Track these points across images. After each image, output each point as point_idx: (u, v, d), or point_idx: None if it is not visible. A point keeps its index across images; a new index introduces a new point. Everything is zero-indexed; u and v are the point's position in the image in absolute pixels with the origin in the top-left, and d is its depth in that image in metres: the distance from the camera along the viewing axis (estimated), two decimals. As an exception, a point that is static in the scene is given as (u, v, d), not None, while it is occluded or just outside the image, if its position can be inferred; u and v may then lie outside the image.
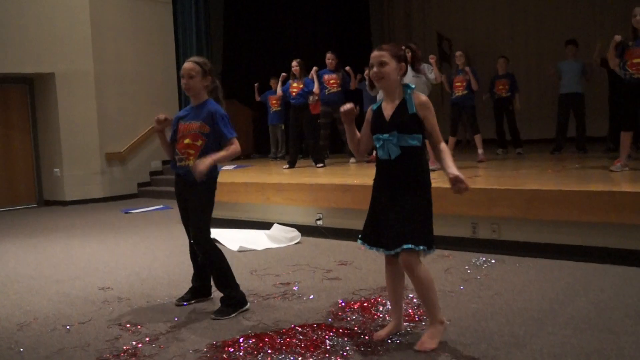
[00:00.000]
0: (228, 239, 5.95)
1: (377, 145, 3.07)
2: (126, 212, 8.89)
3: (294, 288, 4.30)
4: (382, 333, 3.20)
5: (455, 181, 2.93)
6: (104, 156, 10.51)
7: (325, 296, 4.04)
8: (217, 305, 3.86)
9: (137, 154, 10.90)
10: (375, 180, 3.17)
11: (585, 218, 4.60)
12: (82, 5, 10.17)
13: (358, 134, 3.25)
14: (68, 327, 3.70)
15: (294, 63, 8.44)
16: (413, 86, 3.11)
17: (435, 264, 4.73)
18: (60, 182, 10.27)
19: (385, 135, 3.02)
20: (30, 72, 10.00)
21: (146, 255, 5.77)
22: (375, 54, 3.05)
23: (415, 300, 3.77)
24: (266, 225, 6.37)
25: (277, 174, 7.90)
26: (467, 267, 4.63)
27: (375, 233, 3.10)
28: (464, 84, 7.95)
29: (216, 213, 7.14)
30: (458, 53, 8.19)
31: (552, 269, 4.44)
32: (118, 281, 4.79)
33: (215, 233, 6.13)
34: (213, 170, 3.76)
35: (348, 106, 3.12)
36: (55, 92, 10.12)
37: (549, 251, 4.77)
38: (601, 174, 5.73)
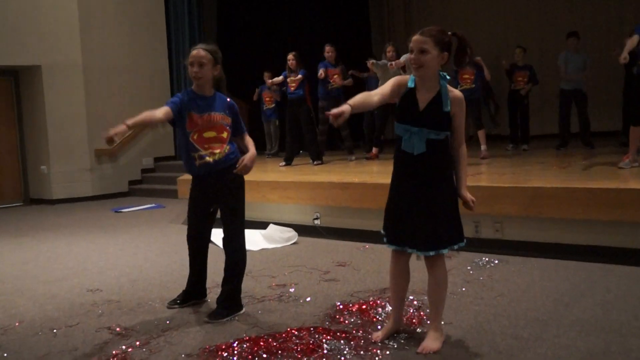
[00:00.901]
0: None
1: (404, 137, 2.89)
2: (116, 211, 8.79)
3: (291, 290, 4.25)
4: (380, 334, 3.15)
5: (469, 202, 2.99)
6: (93, 152, 10.37)
7: (322, 298, 3.99)
8: (210, 308, 3.79)
9: (128, 151, 10.77)
10: (396, 173, 3.01)
11: (591, 216, 4.55)
12: (70, -5, 10.02)
13: (365, 99, 2.89)
14: (55, 330, 3.64)
15: (290, 56, 8.34)
16: (448, 77, 2.94)
17: (436, 264, 4.65)
18: (47, 180, 10.13)
19: (416, 129, 2.85)
20: (15, 64, 9.84)
21: (137, 255, 5.70)
22: (416, 38, 2.81)
23: (415, 302, 3.73)
24: (262, 225, 6.30)
25: (273, 171, 7.83)
26: (469, 267, 4.58)
27: (401, 231, 2.96)
28: (472, 77, 7.76)
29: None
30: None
31: (557, 269, 4.39)
32: (107, 282, 4.73)
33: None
34: (238, 157, 3.69)
35: (335, 112, 2.73)
36: (41, 85, 9.98)
37: (554, 251, 4.72)
38: (608, 170, 5.67)
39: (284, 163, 8.29)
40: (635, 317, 3.28)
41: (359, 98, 2.87)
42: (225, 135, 3.64)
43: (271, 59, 9.55)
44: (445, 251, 2.91)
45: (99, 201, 10.11)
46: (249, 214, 6.65)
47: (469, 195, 2.98)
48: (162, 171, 10.99)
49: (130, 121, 3.43)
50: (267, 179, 6.76)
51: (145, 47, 10.84)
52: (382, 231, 3.07)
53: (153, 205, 9.18)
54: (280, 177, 6.92)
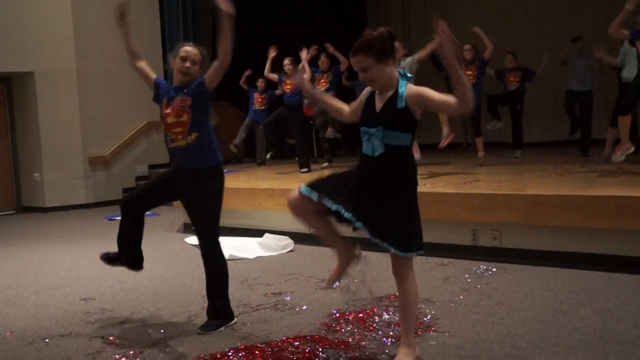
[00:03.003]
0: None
1: (363, 139, 2.88)
2: (110, 219, 8.71)
3: (286, 298, 4.22)
4: (332, 276, 3.19)
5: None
6: (86, 160, 10.28)
7: (318, 307, 3.98)
8: (204, 319, 3.74)
9: (122, 158, 10.69)
10: (357, 169, 2.97)
11: (590, 224, 4.54)
12: (64, 1, 9.96)
13: (340, 104, 3.10)
14: (47, 340, 3.62)
15: (287, 61, 8.34)
16: (410, 75, 2.91)
17: (434, 273, 4.68)
18: (40, 187, 10.04)
19: (373, 130, 2.82)
20: (7, 70, 9.76)
21: (130, 263, 5.60)
22: (352, 60, 2.85)
23: (425, 309, 3.73)
24: (258, 232, 6.28)
25: (270, 179, 7.79)
26: (467, 275, 4.55)
27: (347, 201, 2.85)
28: (472, 80, 7.49)
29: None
30: (466, 47, 7.71)
31: (556, 277, 4.37)
32: (101, 291, 4.69)
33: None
34: (218, 155, 3.66)
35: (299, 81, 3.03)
36: (34, 91, 9.90)
37: (552, 259, 4.70)
38: (607, 177, 5.67)
39: (306, 169, 8.18)
40: (635, 326, 3.27)
41: (336, 101, 3.11)
42: (185, 118, 3.58)
43: (266, 61, 9.48)
44: (412, 254, 2.83)
45: (93, 209, 10.03)
46: (245, 222, 6.69)
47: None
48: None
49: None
50: (263, 186, 6.73)
51: (140, 53, 10.79)
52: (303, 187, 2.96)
53: (147, 213, 9.08)
54: (276, 184, 6.90)
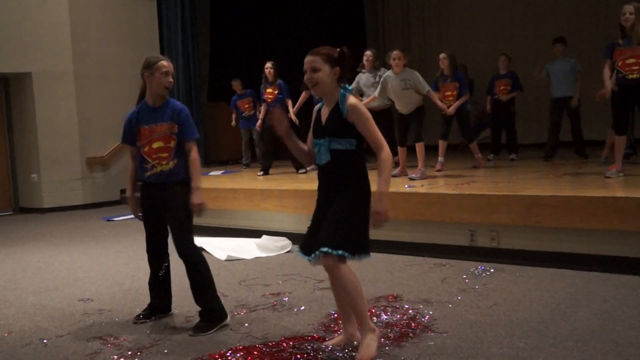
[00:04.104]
0: (215, 247, 5.84)
1: (315, 150, 3.06)
2: (108, 220, 8.71)
3: (284, 299, 4.21)
4: (329, 342, 3.18)
5: (373, 214, 2.91)
6: (84, 161, 10.28)
7: (316, 307, 3.97)
8: (195, 318, 3.74)
9: (120, 159, 10.66)
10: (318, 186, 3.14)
11: (587, 225, 4.53)
12: (61, 2, 9.95)
13: (302, 144, 3.19)
14: (45, 340, 3.61)
15: (268, 65, 8.27)
16: (350, 88, 3.05)
17: (432, 274, 4.68)
18: (38, 188, 10.02)
19: (321, 141, 3.01)
20: (5, 71, 9.75)
21: (129, 264, 5.64)
22: (307, 58, 2.99)
23: (410, 311, 3.72)
24: (255, 233, 6.27)
25: (267, 179, 7.77)
26: (464, 276, 4.55)
27: (309, 241, 3.05)
28: (455, 92, 7.27)
29: (202, 220, 6.89)
30: (442, 55, 7.36)
31: (553, 278, 4.37)
32: (99, 292, 4.68)
33: (202, 241, 5.98)
34: (185, 175, 3.70)
35: (276, 114, 3.11)
36: (32, 92, 9.89)
37: (550, 260, 4.70)
38: (603, 179, 5.66)
39: (261, 173, 8.21)
40: (633, 327, 3.27)
41: (302, 145, 3.19)
42: (172, 144, 3.66)
43: (263, 68, 9.46)
44: (325, 249, 2.84)
45: (91, 210, 10.01)
46: (242, 222, 6.69)
47: (377, 207, 2.90)
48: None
49: (130, 193, 3.88)
50: (261, 187, 6.72)
51: (138, 54, 10.67)
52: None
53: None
54: (274, 185, 6.88)
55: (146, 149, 3.69)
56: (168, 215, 3.71)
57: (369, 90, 7.43)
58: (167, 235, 3.87)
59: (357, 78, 7.64)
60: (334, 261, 2.88)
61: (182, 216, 3.67)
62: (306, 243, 3.06)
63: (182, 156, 3.69)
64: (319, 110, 3.11)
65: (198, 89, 11.51)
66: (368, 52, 7.73)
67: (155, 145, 3.66)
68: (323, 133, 3.00)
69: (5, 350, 3.46)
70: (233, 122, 10.25)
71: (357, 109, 2.94)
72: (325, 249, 2.85)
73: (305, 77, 2.99)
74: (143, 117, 3.72)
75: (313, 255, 2.95)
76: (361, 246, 2.94)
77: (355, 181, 2.98)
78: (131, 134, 3.77)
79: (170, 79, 3.68)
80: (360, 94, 7.59)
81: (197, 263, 3.70)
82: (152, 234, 3.86)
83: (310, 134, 3.15)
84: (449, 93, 7.32)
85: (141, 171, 3.75)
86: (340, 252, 2.85)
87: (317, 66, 2.95)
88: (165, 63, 3.69)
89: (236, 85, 10.07)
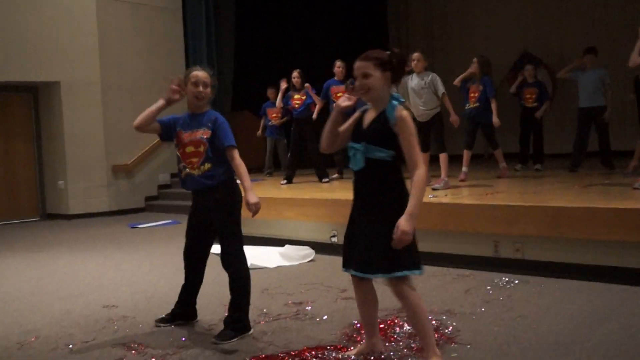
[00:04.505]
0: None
1: (350, 154, 2.95)
2: (132, 227, 8.79)
3: (307, 308, 4.20)
4: (351, 352, 3.15)
5: (395, 232, 2.74)
6: (110, 168, 10.40)
7: (339, 317, 3.94)
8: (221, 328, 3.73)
9: (144, 167, 10.79)
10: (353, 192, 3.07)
11: (614, 237, 4.46)
12: (89, 13, 10.14)
13: (341, 128, 3.07)
14: (70, 346, 3.63)
15: (295, 74, 8.35)
16: (402, 99, 2.93)
17: (455, 284, 4.64)
18: (65, 195, 10.16)
19: (358, 145, 2.90)
20: (34, 80, 9.94)
21: (152, 272, 5.67)
22: (357, 64, 2.89)
23: (434, 322, 3.67)
24: (278, 242, 6.25)
25: (290, 188, 7.78)
26: (488, 287, 4.50)
27: (349, 253, 3.00)
28: (477, 94, 7.34)
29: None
30: (474, 59, 7.49)
31: (580, 290, 4.31)
32: (123, 299, 4.71)
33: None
34: (234, 186, 3.76)
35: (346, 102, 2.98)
36: (60, 101, 10.06)
37: (576, 272, 4.63)
38: (630, 190, 5.57)
39: (285, 181, 8.23)
40: (661, 341, 3.19)
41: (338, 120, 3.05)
42: (202, 149, 3.68)
43: (289, 75, 9.51)
44: (401, 273, 2.80)
45: (116, 217, 10.12)
46: (265, 231, 6.69)
47: (401, 227, 2.72)
48: (178, 187, 10.90)
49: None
50: (284, 196, 6.73)
51: (163, 64, 10.90)
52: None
53: (169, 221, 9.16)
54: (297, 194, 6.89)
55: (181, 151, 3.77)
56: (214, 226, 3.75)
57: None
58: (208, 247, 3.91)
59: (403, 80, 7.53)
60: (406, 284, 2.84)
61: (227, 229, 3.70)
62: (348, 257, 3.03)
63: (217, 162, 3.68)
64: (364, 112, 3.00)
65: (222, 97, 11.59)
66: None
67: (188, 149, 3.72)
68: (362, 137, 2.89)
69: (32, 355, 3.49)
70: (259, 132, 10.31)
71: (406, 122, 2.82)
72: (384, 276, 2.81)
73: (357, 83, 2.89)
74: (183, 122, 3.80)
75: (353, 270, 2.96)
76: (411, 262, 2.85)
77: (394, 193, 2.87)
78: (169, 129, 3.82)
79: (200, 89, 3.71)
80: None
81: (245, 279, 3.72)
82: (190, 240, 3.92)
83: (349, 124, 3.04)
84: (472, 95, 7.37)
85: (179, 174, 3.84)
86: (397, 274, 2.81)
87: (368, 72, 2.85)
88: (196, 73, 3.75)
89: (271, 92, 10.12)
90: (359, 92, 2.90)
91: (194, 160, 3.69)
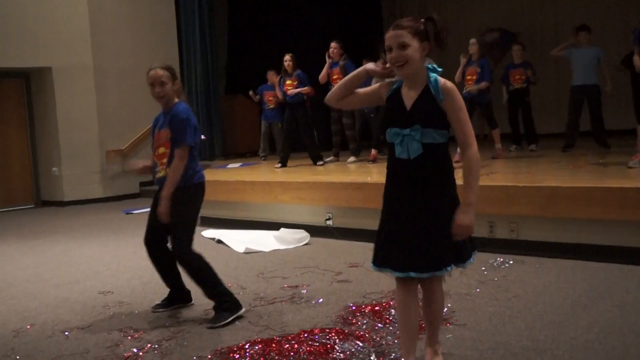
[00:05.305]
0: (233, 240, 5.85)
1: (395, 142, 2.55)
2: (127, 213, 8.77)
3: (303, 291, 4.21)
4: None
5: (457, 227, 2.50)
6: (104, 154, 10.35)
7: (335, 300, 3.95)
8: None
9: (139, 152, 10.73)
10: (388, 185, 2.66)
11: (608, 216, 4.46)
12: (80, -4, 10.02)
13: (356, 89, 2.74)
14: (67, 333, 3.65)
15: (287, 57, 8.24)
16: (440, 69, 2.61)
17: (451, 265, 4.59)
18: (59, 182, 10.12)
19: (407, 130, 2.50)
20: (26, 66, 9.84)
21: (148, 257, 5.61)
22: (391, 33, 2.50)
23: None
24: (274, 225, 6.26)
25: (285, 171, 7.77)
26: (483, 268, 4.50)
27: (392, 251, 2.58)
28: (474, 77, 7.47)
29: (221, 213, 6.97)
30: (472, 41, 7.55)
31: (574, 270, 4.32)
32: (119, 285, 4.71)
33: (220, 234, 6.02)
34: (190, 178, 3.66)
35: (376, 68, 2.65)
36: (52, 87, 9.97)
37: (571, 251, 4.64)
38: (625, 169, 5.57)
39: (279, 165, 8.22)
40: (656, 319, 3.22)
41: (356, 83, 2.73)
42: (169, 150, 3.66)
43: (282, 59, 9.45)
44: (440, 273, 2.55)
45: (111, 203, 10.10)
46: (260, 215, 6.69)
47: (464, 220, 2.49)
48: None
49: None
50: (279, 179, 6.71)
51: (156, 49, 10.80)
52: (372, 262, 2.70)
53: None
54: (292, 177, 6.86)
55: (155, 153, 3.75)
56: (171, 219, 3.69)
57: None
58: (165, 238, 3.85)
59: None
60: (437, 282, 2.63)
61: (178, 217, 3.64)
62: (390, 256, 2.59)
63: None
64: (395, 91, 2.62)
65: (216, 81, 11.53)
66: None
67: (160, 150, 3.70)
68: (410, 120, 2.51)
69: (28, 342, 3.50)
70: (251, 92, 10.23)
71: (455, 95, 2.51)
72: (425, 275, 2.52)
73: (391, 55, 2.50)
74: (158, 122, 3.79)
75: (412, 272, 2.53)
76: (462, 254, 2.61)
77: (450, 181, 2.56)
78: (153, 137, 3.84)
79: (156, 89, 3.67)
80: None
81: (193, 267, 3.67)
82: (149, 230, 3.87)
83: (364, 92, 2.73)
84: (469, 77, 7.44)
85: (154, 174, 3.81)
86: (441, 272, 2.54)
87: (405, 41, 2.46)
88: (151, 74, 3.70)
89: (271, 75, 10.01)
90: (394, 65, 2.52)
91: (164, 161, 3.67)
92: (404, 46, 2.48)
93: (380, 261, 2.62)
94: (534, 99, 8.87)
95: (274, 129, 10.11)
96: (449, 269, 2.55)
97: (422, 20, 2.54)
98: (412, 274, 2.53)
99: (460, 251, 2.58)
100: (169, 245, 3.72)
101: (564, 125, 8.19)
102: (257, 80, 10.32)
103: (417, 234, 2.53)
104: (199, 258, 3.68)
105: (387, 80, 2.72)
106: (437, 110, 2.52)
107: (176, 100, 3.76)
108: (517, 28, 11.66)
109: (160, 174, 3.70)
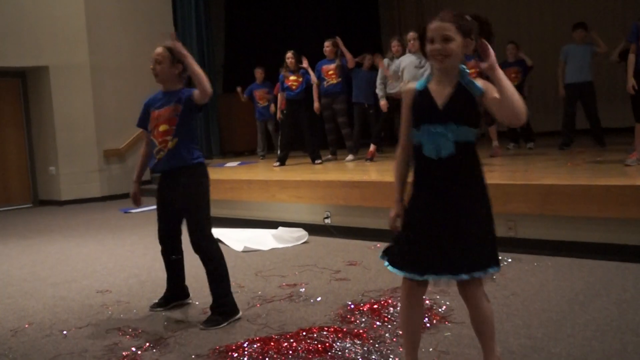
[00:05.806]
0: (232, 238, 5.84)
1: (424, 139, 2.46)
2: (125, 212, 8.76)
3: (301, 290, 4.20)
4: None
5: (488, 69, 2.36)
6: (101, 153, 10.34)
7: (333, 298, 3.95)
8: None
9: (136, 151, 10.65)
10: (416, 187, 2.54)
11: (605, 214, 4.46)
12: (75, -5, 10.00)
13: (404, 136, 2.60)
14: (64, 332, 3.63)
15: (289, 54, 8.23)
16: (468, 70, 2.55)
17: (448, 263, 4.59)
18: (56, 181, 10.11)
19: (439, 128, 2.42)
20: (22, 65, 9.83)
21: (146, 256, 5.66)
22: (437, 25, 2.42)
23: (427, 302, 3.65)
24: (271, 224, 6.26)
25: (283, 170, 7.77)
26: (481, 266, 4.46)
27: (424, 255, 2.46)
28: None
29: (218, 212, 6.94)
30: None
31: (571, 267, 4.32)
32: (117, 284, 4.70)
33: (218, 233, 6.00)
34: (199, 166, 3.69)
35: None
36: (49, 86, 9.96)
37: (568, 249, 4.64)
38: (622, 167, 5.57)
39: (277, 163, 8.20)
40: (653, 317, 3.22)
41: (398, 175, 2.64)
42: (175, 126, 3.63)
43: (279, 57, 9.44)
44: (480, 274, 2.41)
45: (108, 202, 10.09)
46: (258, 213, 6.69)
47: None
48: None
49: (135, 177, 3.99)
50: (277, 178, 6.71)
51: (153, 47, 10.62)
52: (382, 257, 2.64)
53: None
54: (290, 176, 6.86)
55: (155, 132, 3.70)
56: (181, 206, 3.68)
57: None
58: (180, 230, 3.87)
59: (398, 62, 7.25)
60: (479, 287, 2.46)
61: (194, 205, 3.64)
62: (415, 260, 2.48)
63: (186, 136, 3.65)
64: (424, 88, 2.52)
65: (213, 79, 11.51)
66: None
67: (162, 127, 3.65)
68: (443, 117, 2.42)
69: (26, 342, 3.49)
70: (239, 89, 10.22)
71: (487, 82, 2.45)
72: (482, 274, 2.40)
73: (433, 47, 2.42)
74: (156, 102, 3.75)
75: (434, 275, 2.44)
76: (497, 257, 2.50)
77: (481, 176, 2.49)
78: (144, 118, 3.81)
79: (152, 66, 3.71)
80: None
81: (214, 256, 3.66)
82: (162, 223, 3.86)
83: (405, 118, 2.58)
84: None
85: (153, 159, 3.77)
86: (481, 273, 2.41)
87: (449, 35, 2.40)
88: (156, 50, 3.74)
89: (258, 73, 10.00)
90: (434, 57, 2.44)
91: (168, 138, 3.64)
92: (447, 39, 2.41)
93: (404, 265, 2.53)
94: (530, 97, 8.88)
95: (269, 125, 10.13)
96: (490, 270, 2.43)
97: (469, 17, 2.48)
98: (446, 277, 2.43)
99: (495, 253, 2.49)
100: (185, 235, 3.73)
101: (561, 123, 8.21)
102: (255, 79, 10.30)
103: (453, 237, 2.43)
104: (217, 247, 3.70)
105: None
106: (472, 107, 2.46)
107: (180, 85, 3.74)
108: (516, 28, 11.67)
109: (161, 155, 3.66)
